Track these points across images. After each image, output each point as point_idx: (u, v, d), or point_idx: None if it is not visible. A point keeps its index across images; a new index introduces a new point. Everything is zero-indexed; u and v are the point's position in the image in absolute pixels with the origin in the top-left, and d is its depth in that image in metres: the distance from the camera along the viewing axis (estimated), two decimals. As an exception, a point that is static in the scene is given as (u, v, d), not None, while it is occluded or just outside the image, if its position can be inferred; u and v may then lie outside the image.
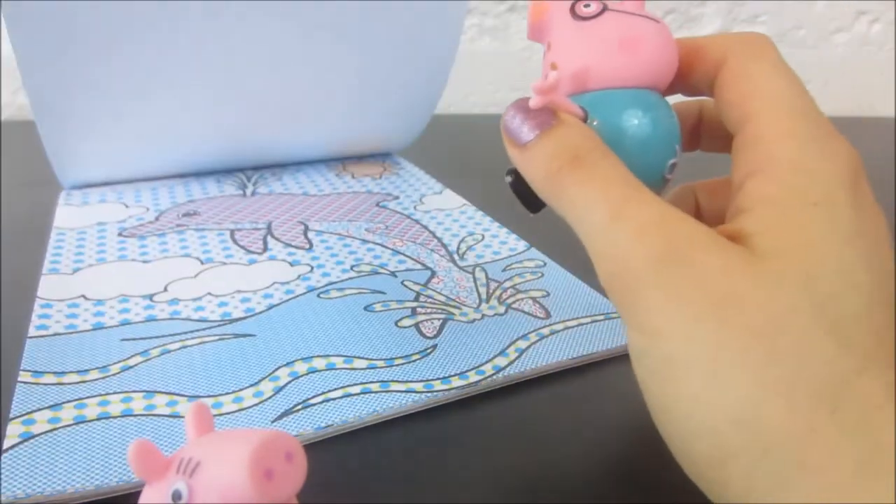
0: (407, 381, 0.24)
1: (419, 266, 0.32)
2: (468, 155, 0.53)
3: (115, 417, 0.22)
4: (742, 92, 0.18)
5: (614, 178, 0.17)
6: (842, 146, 0.17)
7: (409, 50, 0.42)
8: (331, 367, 0.24)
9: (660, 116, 0.19)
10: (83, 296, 0.29)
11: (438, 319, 0.28)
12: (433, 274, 0.32)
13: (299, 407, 0.22)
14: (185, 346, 0.26)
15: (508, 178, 0.19)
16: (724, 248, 0.15)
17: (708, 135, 0.23)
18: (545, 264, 0.33)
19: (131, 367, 0.24)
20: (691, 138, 0.23)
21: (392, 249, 0.34)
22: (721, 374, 0.14)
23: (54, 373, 0.24)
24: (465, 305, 0.29)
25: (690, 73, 0.20)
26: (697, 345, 0.15)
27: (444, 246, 0.35)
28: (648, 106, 0.19)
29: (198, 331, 0.27)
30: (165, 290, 0.30)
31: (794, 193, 0.16)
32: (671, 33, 0.19)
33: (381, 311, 0.28)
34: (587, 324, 0.28)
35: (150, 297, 0.29)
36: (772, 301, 0.15)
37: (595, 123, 0.18)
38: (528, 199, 0.19)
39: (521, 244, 0.35)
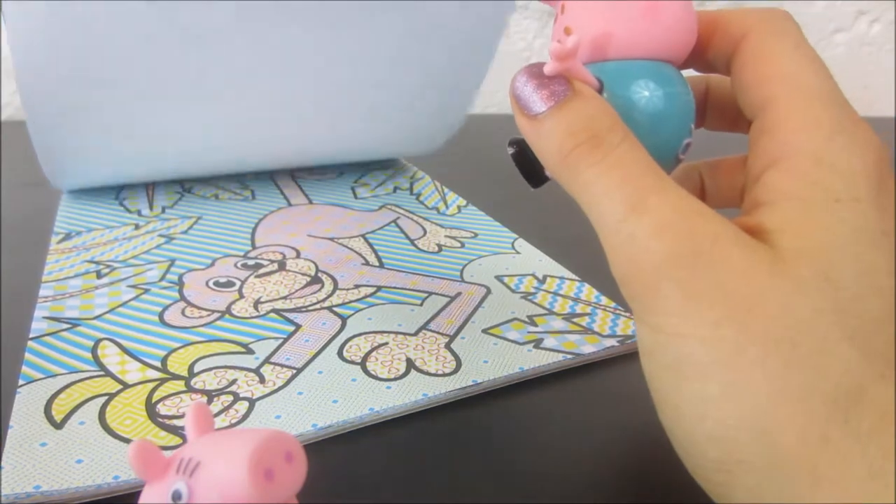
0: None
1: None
2: (468, 155, 0.53)
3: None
4: (762, 73, 0.17)
5: (635, 165, 0.16)
6: (868, 138, 0.16)
7: (450, 52, 0.39)
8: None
9: (679, 92, 0.17)
10: (83, 296, 0.29)
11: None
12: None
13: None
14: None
15: (511, 150, 0.18)
16: (747, 246, 0.15)
17: (714, 112, 0.21)
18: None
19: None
20: (696, 115, 0.22)
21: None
22: (738, 380, 0.14)
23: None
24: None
25: (708, 47, 0.18)
26: (715, 349, 0.14)
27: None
28: (668, 80, 0.17)
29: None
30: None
31: (816, 189, 0.15)
32: (692, 3, 0.18)
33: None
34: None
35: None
36: (794, 307, 0.14)
37: (608, 96, 0.17)
38: (531, 173, 0.18)
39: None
